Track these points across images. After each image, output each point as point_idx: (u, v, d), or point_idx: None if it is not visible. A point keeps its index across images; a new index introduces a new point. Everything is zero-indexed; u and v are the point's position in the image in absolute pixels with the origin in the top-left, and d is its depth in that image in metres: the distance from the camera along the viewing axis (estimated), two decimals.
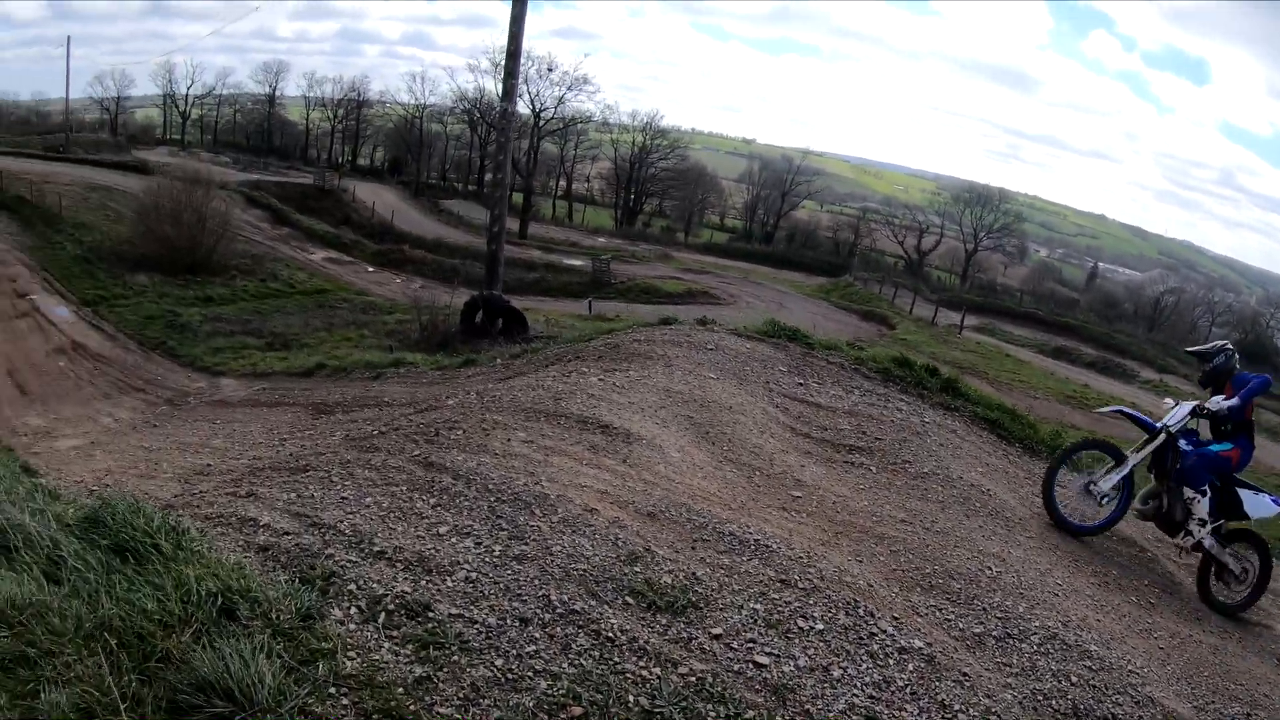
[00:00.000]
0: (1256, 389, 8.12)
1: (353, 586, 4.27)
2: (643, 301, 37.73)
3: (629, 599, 4.55)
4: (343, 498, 5.56)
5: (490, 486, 5.59)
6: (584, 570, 4.73)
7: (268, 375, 20.32)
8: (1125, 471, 8.36)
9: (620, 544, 5.07)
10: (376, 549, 4.72)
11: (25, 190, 45.57)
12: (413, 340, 21.94)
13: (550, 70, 78.80)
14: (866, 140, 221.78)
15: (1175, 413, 8.31)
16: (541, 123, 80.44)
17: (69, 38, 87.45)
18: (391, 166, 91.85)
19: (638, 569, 4.84)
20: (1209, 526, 8.07)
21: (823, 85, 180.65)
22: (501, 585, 4.46)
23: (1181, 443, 8.25)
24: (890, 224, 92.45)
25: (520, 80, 25.29)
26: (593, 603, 4.44)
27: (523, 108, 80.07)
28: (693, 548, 5.35)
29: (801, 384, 10.20)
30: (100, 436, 16.20)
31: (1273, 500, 8.22)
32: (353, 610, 4.09)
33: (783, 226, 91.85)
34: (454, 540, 4.90)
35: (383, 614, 4.07)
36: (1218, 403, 8.23)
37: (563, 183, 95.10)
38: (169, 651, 3.47)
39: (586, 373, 9.14)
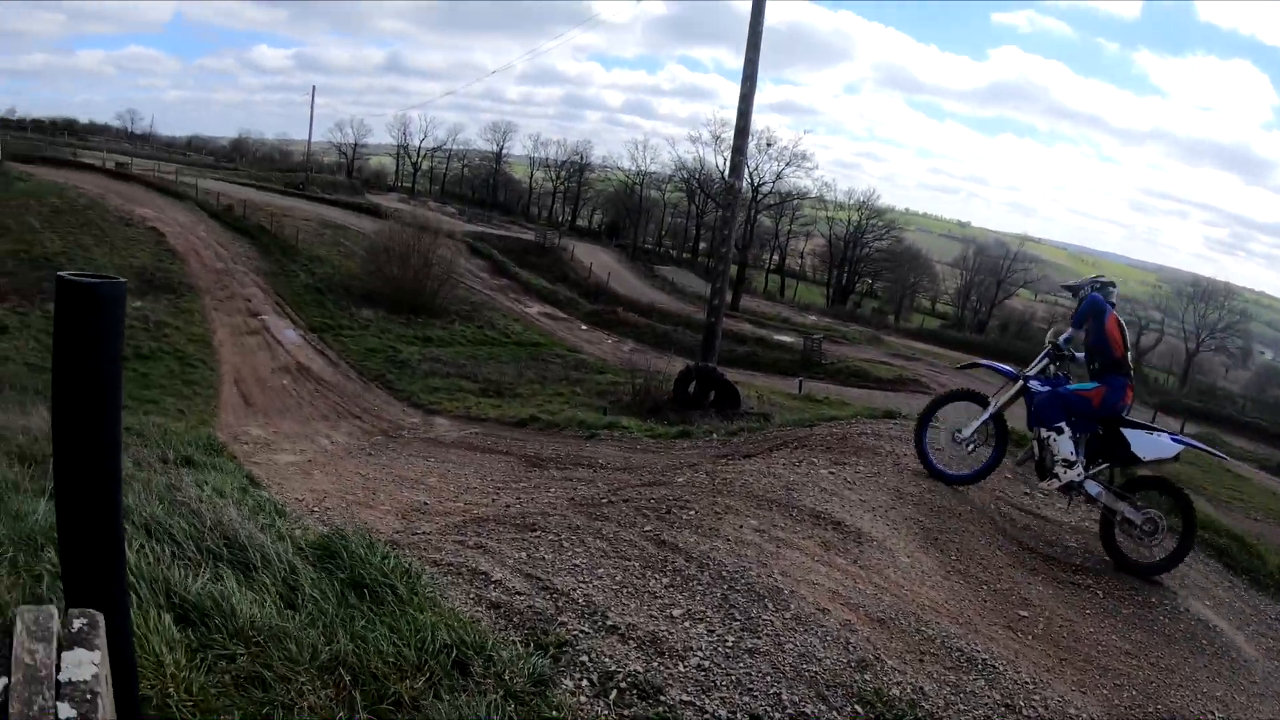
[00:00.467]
0: (1084, 310, 8.02)
1: (585, 658, 4.19)
2: (852, 385, 37.22)
3: (858, 707, 4.32)
4: (575, 565, 5.53)
5: (724, 574, 5.45)
6: (815, 672, 4.51)
7: (481, 420, 20.69)
8: (985, 417, 8.54)
9: (851, 648, 4.83)
10: (610, 623, 4.63)
11: (266, 221, 49.09)
12: (624, 403, 22.11)
13: (770, 145, 79.50)
14: (1084, 227, 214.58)
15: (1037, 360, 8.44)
16: (759, 197, 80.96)
17: (314, 87, 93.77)
18: (609, 229, 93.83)
19: (867, 677, 4.60)
20: (1078, 469, 7.98)
21: (1040, 167, 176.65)
22: (733, 678, 4.29)
23: (1033, 384, 8.33)
24: None
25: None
26: (823, 707, 4.23)
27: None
28: (920, 660, 5.07)
29: (1027, 494, 9.77)
30: (318, 456, 16.76)
31: (1172, 439, 7.93)
32: (584, 683, 4.01)
33: (995, 315, 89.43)
34: (687, 625, 4.76)
35: (614, 691, 3.99)
36: (1060, 334, 8.34)
37: (775, 257, 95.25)
38: (401, 696, 3.47)
39: (816, 464, 8.93)
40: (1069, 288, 8.67)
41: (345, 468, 14.61)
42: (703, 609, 4.99)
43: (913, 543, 7.32)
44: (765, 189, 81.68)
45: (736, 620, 4.90)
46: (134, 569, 3.76)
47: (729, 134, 75.15)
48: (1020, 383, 8.40)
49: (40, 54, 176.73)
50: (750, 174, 79.20)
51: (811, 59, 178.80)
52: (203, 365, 28.82)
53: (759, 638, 4.73)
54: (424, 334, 35.12)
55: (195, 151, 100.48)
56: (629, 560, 5.67)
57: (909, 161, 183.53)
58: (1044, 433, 8.12)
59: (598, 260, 61.34)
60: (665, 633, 4.62)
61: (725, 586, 5.31)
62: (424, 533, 7.41)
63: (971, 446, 8.64)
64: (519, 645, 4.10)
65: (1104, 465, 8.07)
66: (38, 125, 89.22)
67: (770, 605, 5.14)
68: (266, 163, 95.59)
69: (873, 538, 6.93)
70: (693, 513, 6.77)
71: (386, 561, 4.58)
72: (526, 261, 56.26)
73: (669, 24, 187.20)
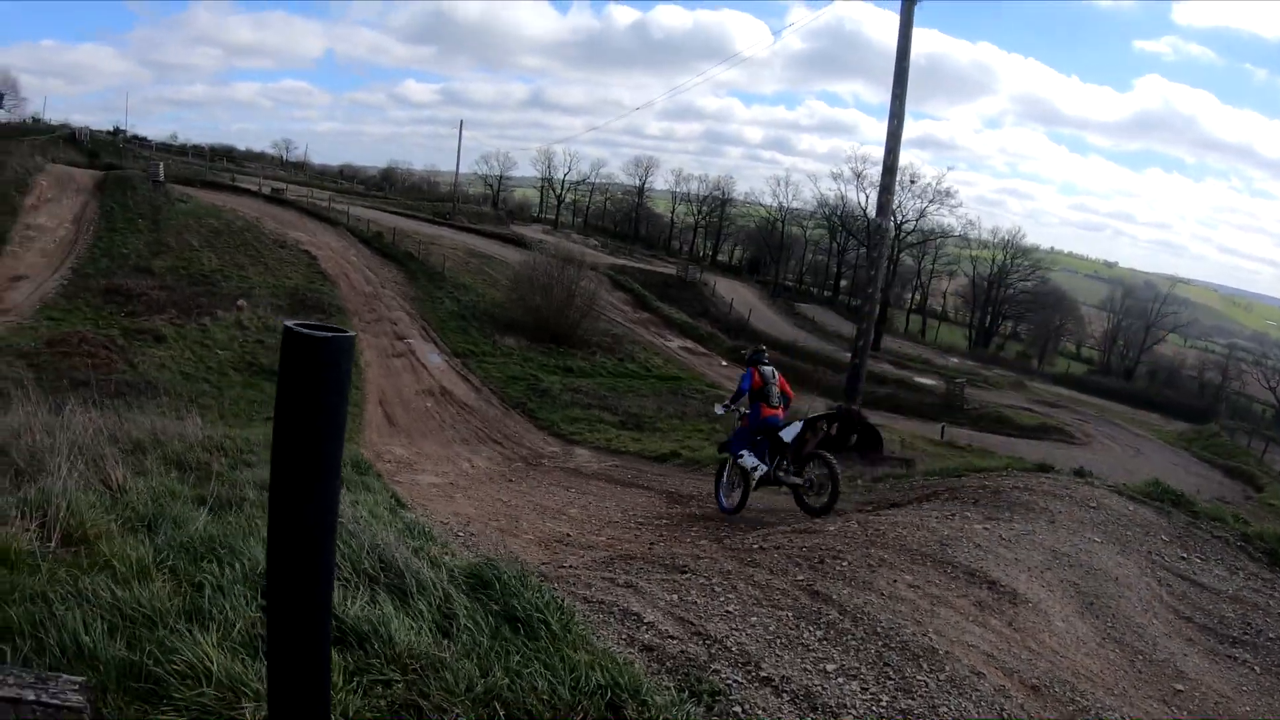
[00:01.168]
0: (742, 380, 12.20)
1: (738, 709, 4.15)
2: (994, 431, 36.22)
3: None
4: (728, 611, 5.49)
5: (878, 630, 5.36)
6: None
7: (621, 453, 20.89)
8: (727, 465, 12.36)
9: (1005, 716, 4.70)
10: (763, 674, 4.59)
11: (414, 248, 50.37)
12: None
13: (913, 182, 78.32)
14: (1236, 267, 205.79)
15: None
16: (902, 235, 79.62)
17: (461, 121, 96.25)
18: (750, 265, 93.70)
19: None
20: (762, 469, 11.71)
21: (1188, 203, 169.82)
22: None
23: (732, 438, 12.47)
24: (1261, 365, 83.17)
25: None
26: None
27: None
28: None
29: (1184, 558, 9.35)
30: (459, 479, 17.05)
31: (796, 425, 11.91)
32: None
33: (1144, 361, 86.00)
34: (840, 681, 4.69)
35: None
36: (725, 403, 12.71)
37: (917, 296, 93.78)
38: None
39: (969, 518, 8.73)
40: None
41: (487, 493, 14.84)
42: (856, 665, 4.92)
43: (1068, 606, 7.11)
44: (908, 227, 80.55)
45: (891, 679, 4.81)
46: None
47: (871, 170, 73.07)
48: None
49: (200, 85, 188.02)
50: (894, 212, 78.31)
51: (951, 92, 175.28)
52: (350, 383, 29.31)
53: (913, 699, 4.64)
54: (565, 364, 35.44)
55: (346, 180, 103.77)
56: (781, 610, 5.61)
57: (1052, 198, 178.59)
58: (737, 461, 11.95)
59: (739, 296, 61.16)
60: (819, 688, 4.56)
61: (879, 643, 5.23)
62: (571, 566, 7.50)
63: (734, 487, 12.17)
64: (673, 691, 4.06)
65: (779, 459, 11.72)
66: (198, 151, 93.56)
67: (925, 665, 5.04)
68: (415, 192, 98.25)
69: (1028, 599, 6.75)
70: (846, 564, 6.70)
71: (539, 595, 4.59)
72: (668, 295, 56.36)
73: (807, 59, 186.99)
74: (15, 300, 35.26)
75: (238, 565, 4.24)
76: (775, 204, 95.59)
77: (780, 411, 12.05)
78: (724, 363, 42.03)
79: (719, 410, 12.69)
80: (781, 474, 11.65)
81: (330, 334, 2.15)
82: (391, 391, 29.46)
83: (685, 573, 6.46)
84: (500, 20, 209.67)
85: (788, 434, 11.74)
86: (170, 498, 5.73)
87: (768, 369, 12.22)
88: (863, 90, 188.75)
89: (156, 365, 29.49)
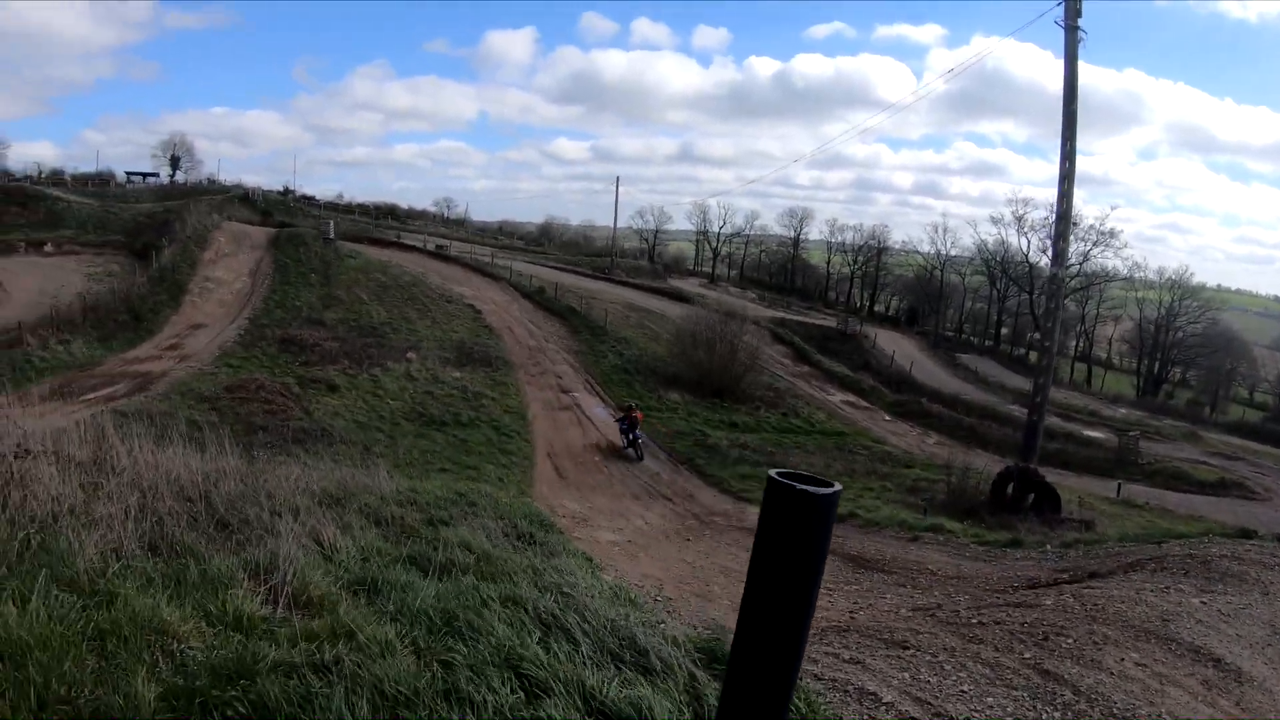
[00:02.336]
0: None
1: None
2: (1170, 487, 34.66)
3: None
4: (962, 691, 5.56)
5: (1114, 711, 5.38)
6: None
7: None
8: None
9: None
10: None
11: (575, 302, 51.29)
12: (938, 502, 21.66)
13: (1075, 225, 75.56)
14: None
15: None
16: (1065, 280, 76.30)
17: (618, 178, 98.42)
18: (909, 315, 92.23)
19: None
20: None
21: None
22: None
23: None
24: None
25: (1049, 236, 24.32)
26: None
27: (1045, 262, 77.43)
28: None
29: None
30: (636, 537, 17.32)
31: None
32: None
33: None
34: None
35: None
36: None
37: (1081, 343, 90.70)
38: None
39: (1184, 591, 8.56)
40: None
41: (667, 552, 15.09)
42: None
43: None
44: (1071, 270, 77.15)
45: None
46: (545, 665, 4.00)
47: (1032, 213, 71.69)
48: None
49: (362, 148, 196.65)
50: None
51: (1099, 125, 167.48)
52: (518, 436, 30.30)
53: None
54: (730, 419, 35.50)
55: (506, 236, 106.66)
56: (1015, 690, 5.66)
57: (1214, 231, 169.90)
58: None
59: (900, 348, 60.11)
60: None
61: None
62: None
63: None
64: None
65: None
66: (363, 209, 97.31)
67: None
68: (573, 247, 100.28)
69: (1253, 677, 6.65)
70: (1071, 641, 6.70)
71: None
72: (828, 348, 55.82)
73: (952, 101, 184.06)
74: (195, 347, 37.55)
75: (482, 644, 4.22)
76: (933, 251, 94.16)
77: None
78: (887, 417, 41.40)
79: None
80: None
81: (819, 489, 2.16)
82: (559, 444, 30.00)
83: (908, 648, 6.54)
84: (644, 78, 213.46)
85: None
86: (378, 556, 5.97)
87: None
88: (1010, 130, 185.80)
89: (331, 413, 30.82)
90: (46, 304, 40.00)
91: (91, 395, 29.38)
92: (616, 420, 29.70)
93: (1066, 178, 21.31)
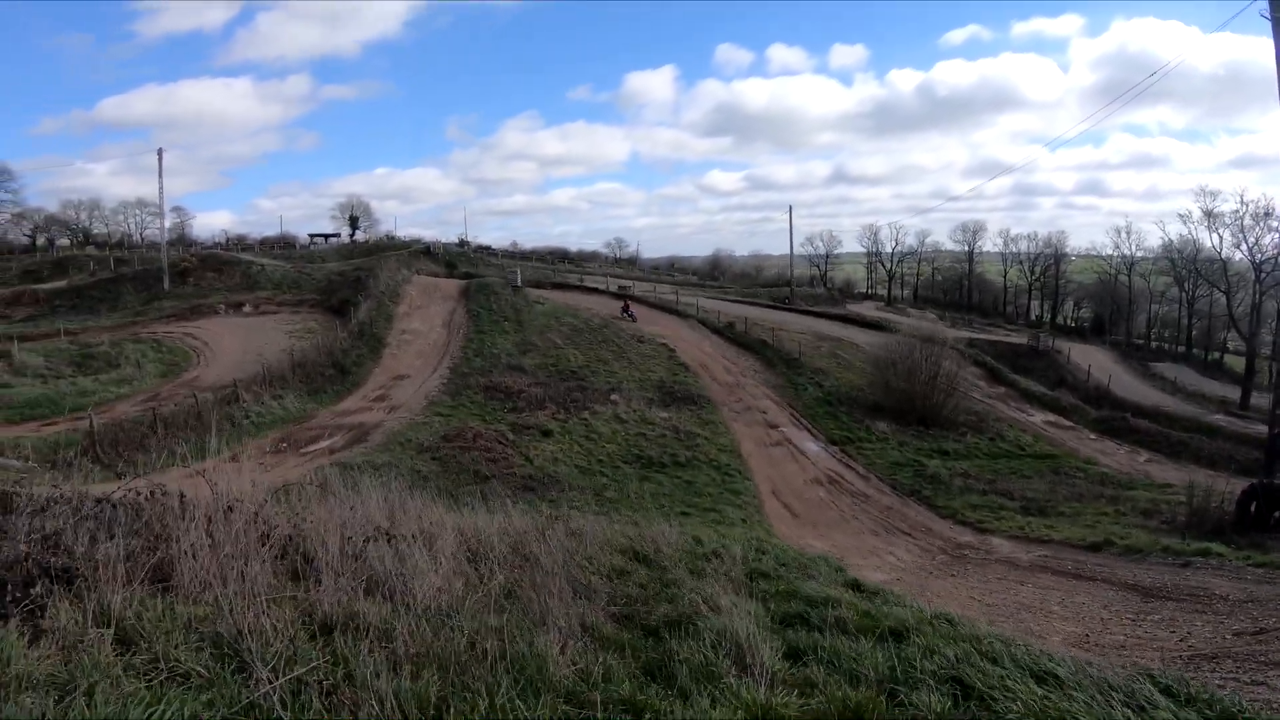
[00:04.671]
0: None
1: None
2: None
3: None
4: None
5: None
6: None
7: (1044, 542, 20.68)
8: None
9: None
10: None
11: (764, 335, 51.82)
12: (1178, 524, 21.52)
13: (1267, 215, 71.89)
14: None
15: None
16: (1262, 275, 72.80)
17: (790, 207, 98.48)
18: (1093, 324, 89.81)
19: None
20: None
21: None
22: None
23: None
24: None
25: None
26: None
27: (1239, 256, 74.39)
28: None
29: None
30: (903, 575, 17.51)
31: None
32: None
33: None
34: None
35: None
36: None
37: None
38: None
39: None
40: None
41: (945, 589, 15.44)
42: None
43: None
44: (1268, 265, 72.94)
45: None
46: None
47: (1221, 206, 69.13)
48: None
49: (521, 196, 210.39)
50: (1249, 249, 73.17)
51: (1262, 99, 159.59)
52: (739, 475, 30.46)
53: None
54: (940, 447, 35.38)
55: (680, 271, 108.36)
56: None
57: None
58: None
59: (1093, 361, 58.78)
60: None
61: None
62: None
63: None
64: None
65: None
66: (537, 255, 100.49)
67: None
68: (745, 279, 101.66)
69: None
70: None
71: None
72: (1019, 366, 55.27)
73: (1100, 92, 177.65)
74: (403, 397, 39.34)
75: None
76: (1116, 254, 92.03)
77: None
78: (1092, 436, 40.52)
79: None
80: None
81: None
82: (780, 481, 30.19)
83: None
84: (787, 103, 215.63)
85: None
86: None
87: None
88: (1166, 116, 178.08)
89: (550, 459, 31.62)
90: (251, 361, 42.72)
91: (311, 448, 31.05)
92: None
93: None
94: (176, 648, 4.35)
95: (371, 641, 4.73)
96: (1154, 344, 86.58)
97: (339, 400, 39.11)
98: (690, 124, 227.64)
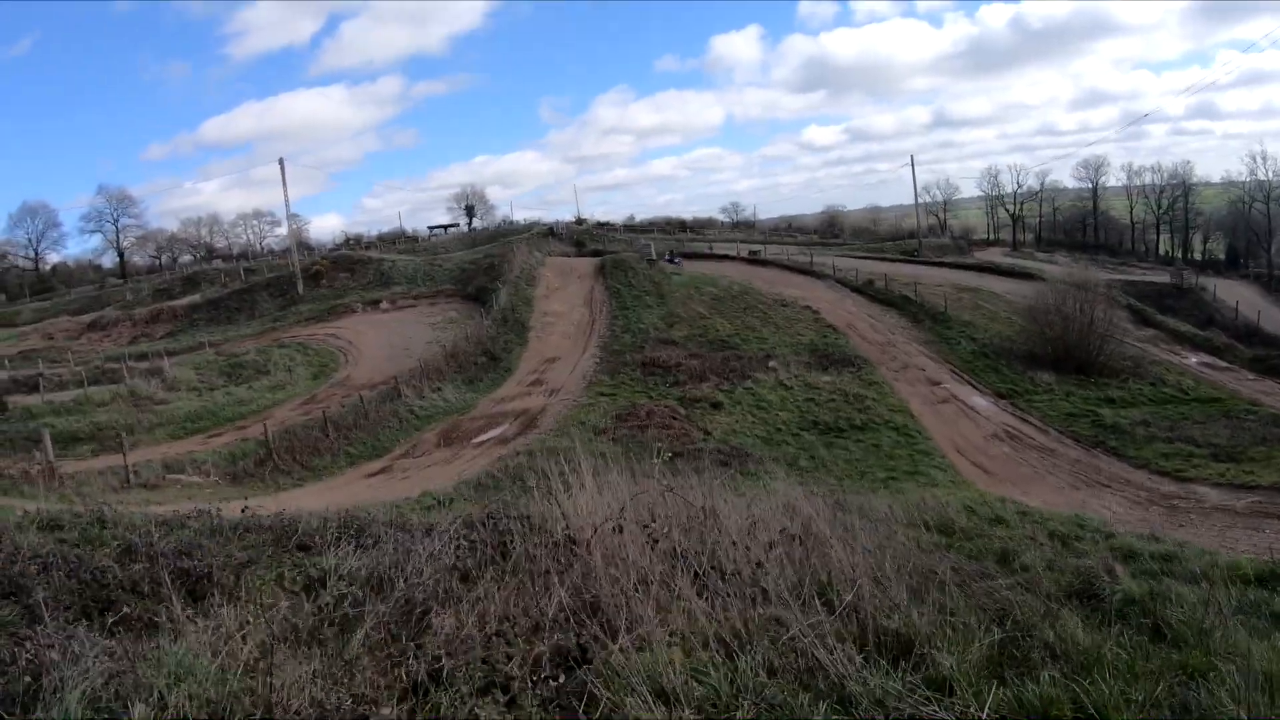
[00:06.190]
0: None
1: None
2: None
3: None
4: None
5: None
6: None
7: (1250, 488, 20.99)
8: None
9: None
10: None
11: (903, 290, 51.86)
12: None
13: None
14: None
15: None
16: None
17: (911, 156, 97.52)
18: (1228, 257, 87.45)
19: None
20: None
21: None
22: None
23: None
24: None
25: None
26: None
27: None
28: None
29: None
30: (1134, 529, 17.87)
31: None
32: None
33: None
34: None
35: None
36: None
37: None
38: None
39: None
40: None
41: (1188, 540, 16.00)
42: None
43: None
44: None
45: None
46: None
47: None
48: None
49: (620, 169, 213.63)
50: None
51: None
52: (919, 435, 30.61)
53: None
54: (1105, 395, 35.42)
55: (798, 231, 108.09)
56: None
57: None
58: None
59: (1238, 296, 57.26)
60: None
61: None
62: None
63: None
64: None
65: None
66: (655, 226, 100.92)
67: None
68: (865, 234, 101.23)
69: None
70: None
71: None
72: (1164, 306, 54.61)
73: (1203, 9, 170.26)
74: (559, 380, 40.18)
75: None
76: (1251, 180, 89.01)
77: None
78: (1250, 376, 40.00)
79: None
80: None
81: None
82: (960, 439, 30.32)
83: None
84: (877, 51, 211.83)
85: None
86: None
87: None
88: (1274, 25, 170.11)
89: (728, 430, 32.04)
90: (400, 356, 43.82)
91: (482, 437, 32.00)
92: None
93: None
94: None
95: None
96: None
97: (495, 388, 39.99)
98: (781, 81, 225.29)
